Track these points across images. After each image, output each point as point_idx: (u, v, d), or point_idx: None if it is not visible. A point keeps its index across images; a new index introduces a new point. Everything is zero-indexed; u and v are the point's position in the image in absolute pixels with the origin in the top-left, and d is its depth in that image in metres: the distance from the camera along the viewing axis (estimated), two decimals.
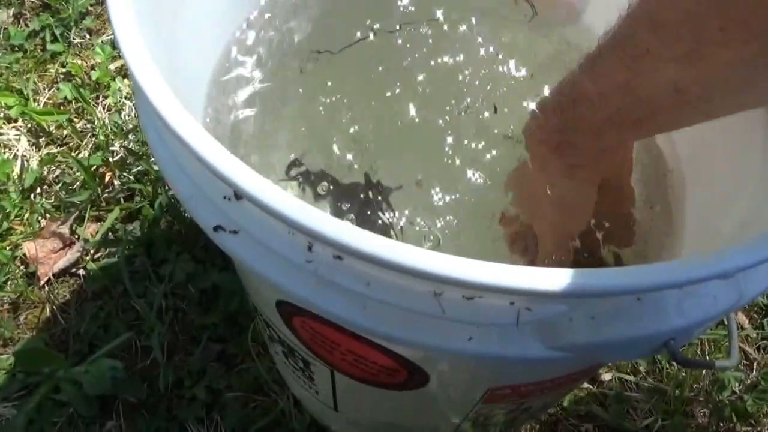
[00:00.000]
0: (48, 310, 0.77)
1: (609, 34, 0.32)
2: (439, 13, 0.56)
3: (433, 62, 0.55)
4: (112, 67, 0.96)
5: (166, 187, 0.82)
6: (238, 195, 0.29)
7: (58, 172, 0.87)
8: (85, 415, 0.70)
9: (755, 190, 0.39)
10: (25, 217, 0.82)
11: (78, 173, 0.85)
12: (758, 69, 0.26)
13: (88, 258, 0.80)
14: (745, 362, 0.79)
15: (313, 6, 0.57)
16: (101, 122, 0.89)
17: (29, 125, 0.90)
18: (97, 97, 0.93)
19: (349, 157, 0.51)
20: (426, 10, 0.56)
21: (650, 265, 0.25)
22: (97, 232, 0.81)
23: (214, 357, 0.74)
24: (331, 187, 0.50)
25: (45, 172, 0.86)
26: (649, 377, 0.76)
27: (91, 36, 1.00)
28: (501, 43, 0.55)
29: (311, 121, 0.52)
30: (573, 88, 0.36)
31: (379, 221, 0.49)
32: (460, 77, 0.54)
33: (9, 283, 0.78)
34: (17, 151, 0.88)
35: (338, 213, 0.49)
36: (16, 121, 0.91)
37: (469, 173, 0.50)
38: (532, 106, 0.45)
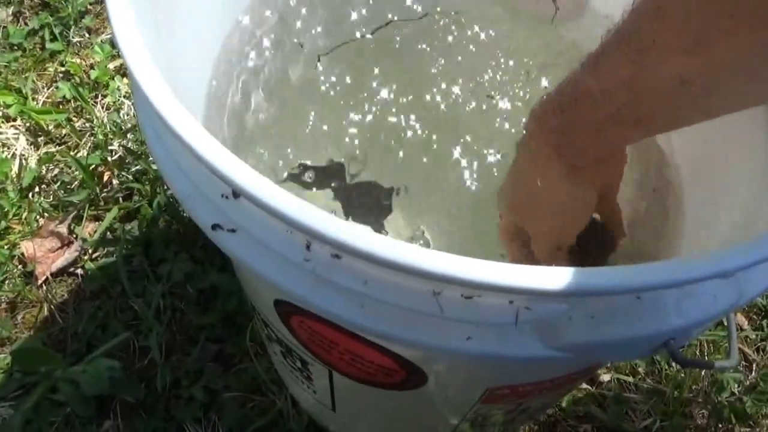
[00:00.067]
0: (46, 309, 0.77)
1: (612, 31, 0.32)
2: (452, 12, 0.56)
3: (432, 62, 0.54)
4: (111, 66, 0.96)
5: (165, 187, 0.82)
6: (236, 193, 0.29)
7: (56, 171, 0.87)
8: (83, 415, 0.70)
9: (755, 189, 0.39)
10: (24, 216, 0.82)
11: (76, 172, 0.85)
12: (765, 58, 0.26)
13: (86, 257, 0.80)
14: (744, 363, 0.79)
15: (315, 3, 0.57)
16: (100, 121, 0.89)
17: (28, 124, 0.90)
18: (96, 96, 0.93)
19: (344, 156, 0.51)
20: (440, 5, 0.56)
21: (650, 264, 0.25)
22: (95, 232, 0.81)
23: (212, 357, 0.74)
24: (334, 184, 0.50)
25: (43, 171, 0.86)
26: (647, 378, 0.76)
27: (90, 35, 1.00)
28: (509, 41, 0.55)
29: (310, 119, 0.52)
30: (575, 87, 0.36)
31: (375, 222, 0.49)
32: (461, 78, 0.54)
33: (7, 282, 0.78)
34: (16, 150, 0.88)
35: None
36: (14, 119, 0.90)
37: (463, 175, 0.50)
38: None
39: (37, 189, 0.85)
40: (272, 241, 0.29)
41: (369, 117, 0.52)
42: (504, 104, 0.52)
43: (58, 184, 0.85)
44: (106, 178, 0.85)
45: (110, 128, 0.89)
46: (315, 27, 0.56)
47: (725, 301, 0.30)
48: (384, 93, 0.53)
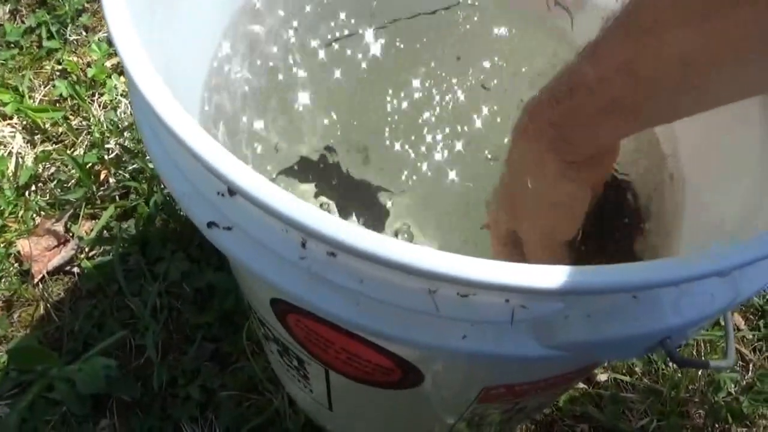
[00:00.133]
0: (42, 308, 0.76)
1: (611, 19, 0.32)
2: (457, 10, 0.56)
3: (432, 60, 0.54)
4: (108, 64, 0.95)
5: (162, 185, 0.82)
6: (232, 191, 0.29)
7: (53, 169, 0.87)
8: (79, 414, 0.69)
9: (754, 186, 0.39)
10: (20, 215, 0.82)
11: (73, 171, 0.85)
12: (765, 36, 0.26)
13: (82, 256, 0.80)
14: (741, 363, 0.79)
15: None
16: (97, 120, 0.89)
17: (24, 122, 0.90)
18: (93, 95, 0.93)
19: (341, 154, 0.51)
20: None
21: (648, 262, 0.25)
22: (91, 230, 0.81)
23: (209, 356, 0.73)
24: (335, 182, 0.50)
25: (40, 170, 0.86)
26: (644, 378, 0.76)
27: (87, 33, 1.00)
28: (510, 41, 0.55)
29: (308, 114, 0.52)
30: (570, 77, 0.35)
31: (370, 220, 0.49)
32: (456, 79, 0.54)
33: (3, 280, 0.78)
34: (12, 148, 0.88)
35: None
36: (11, 118, 0.90)
37: (450, 173, 0.50)
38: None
39: (33, 187, 0.85)
40: (268, 239, 0.29)
41: (368, 115, 0.52)
42: (508, 104, 0.52)
43: (55, 182, 0.85)
44: (102, 176, 0.85)
45: (107, 126, 0.88)
46: (313, 24, 0.56)
47: (722, 299, 0.30)
48: (383, 92, 0.53)
